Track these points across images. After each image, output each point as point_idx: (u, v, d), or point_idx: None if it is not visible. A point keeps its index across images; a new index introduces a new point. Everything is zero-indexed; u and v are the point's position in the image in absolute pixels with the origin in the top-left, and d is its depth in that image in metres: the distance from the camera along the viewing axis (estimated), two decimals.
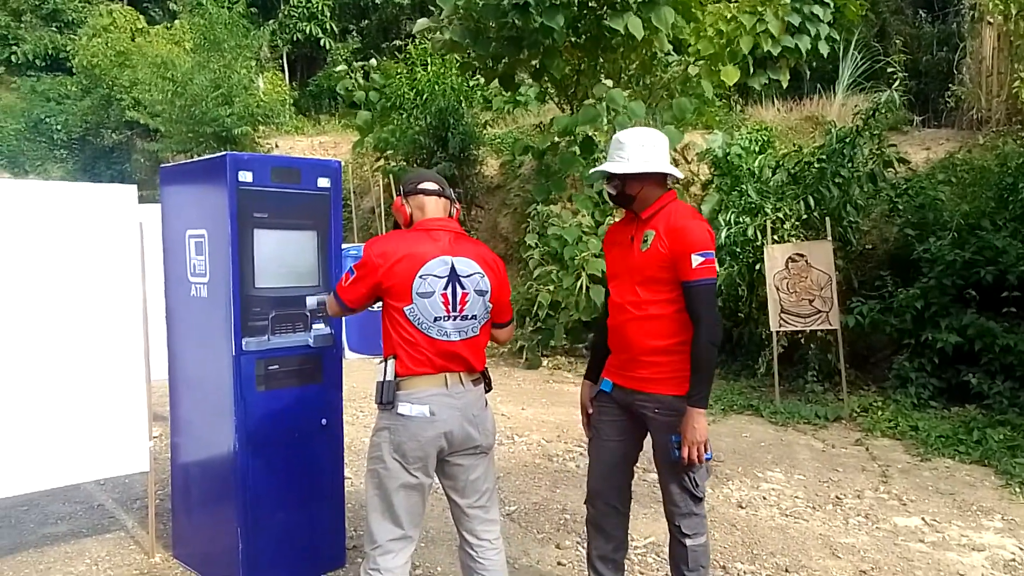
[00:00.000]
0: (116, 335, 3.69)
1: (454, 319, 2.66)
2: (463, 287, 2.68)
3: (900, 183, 8.10)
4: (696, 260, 2.64)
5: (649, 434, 2.87)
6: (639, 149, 2.77)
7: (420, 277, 2.61)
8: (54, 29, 19.33)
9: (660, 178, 2.82)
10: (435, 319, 2.62)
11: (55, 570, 3.76)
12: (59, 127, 18.09)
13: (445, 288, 2.64)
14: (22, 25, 19.22)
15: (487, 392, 2.82)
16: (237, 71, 14.57)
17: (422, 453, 2.61)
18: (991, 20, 9.63)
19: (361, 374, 6.28)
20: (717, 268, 2.54)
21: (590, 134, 8.67)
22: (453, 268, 2.67)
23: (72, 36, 18.24)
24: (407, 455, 2.60)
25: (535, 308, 8.89)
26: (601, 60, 9.32)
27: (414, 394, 2.61)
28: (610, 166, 2.81)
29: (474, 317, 2.72)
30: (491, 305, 2.76)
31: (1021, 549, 4.04)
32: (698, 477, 2.77)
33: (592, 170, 3.01)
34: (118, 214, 3.72)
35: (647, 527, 4.22)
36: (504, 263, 2.91)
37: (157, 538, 3.96)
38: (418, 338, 2.62)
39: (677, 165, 10.17)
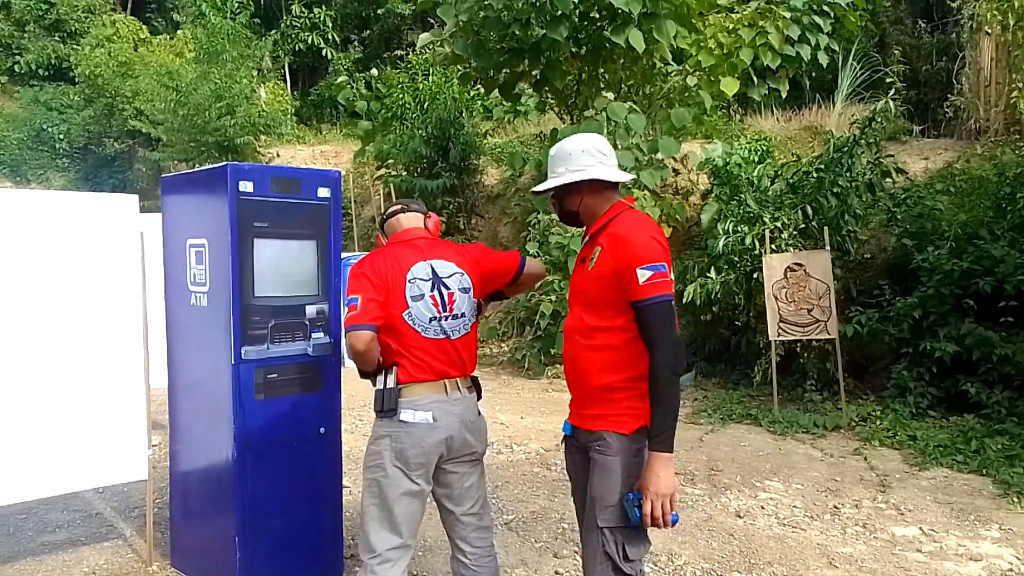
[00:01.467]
0: (116, 343, 3.71)
1: (447, 318, 2.74)
2: (447, 287, 2.78)
3: (898, 193, 8.12)
4: (642, 275, 2.22)
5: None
6: (568, 159, 2.45)
7: (409, 282, 2.70)
8: (57, 39, 19.41)
9: (604, 186, 2.45)
10: (431, 320, 2.70)
11: None
12: (61, 136, 18.15)
13: (432, 290, 2.74)
14: (25, 35, 19.30)
15: (479, 400, 2.87)
16: (239, 81, 14.64)
17: (425, 459, 2.64)
18: (990, 31, 9.67)
19: (359, 383, 6.25)
20: (672, 281, 2.30)
21: None
22: (434, 270, 2.77)
23: (75, 46, 18.32)
24: (410, 462, 2.63)
25: (536, 317, 8.93)
26: (601, 71, 9.37)
27: (416, 401, 2.65)
28: (541, 185, 2.55)
29: (463, 315, 2.80)
30: (476, 301, 2.85)
31: (1018, 559, 4.04)
32: (628, 541, 2.29)
33: (531, 190, 2.79)
34: (119, 223, 3.75)
35: None
36: (481, 243, 3.01)
37: (155, 546, 3.97)
38: (419, 342, 2.68)
39: (677, 175, 10.23)
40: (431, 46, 9.61)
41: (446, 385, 2.71)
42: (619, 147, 8.29)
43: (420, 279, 2.72)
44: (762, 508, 4.80)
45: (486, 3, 8.27)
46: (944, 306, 6.89)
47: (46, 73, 19.33)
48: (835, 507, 4.80)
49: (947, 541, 4.27)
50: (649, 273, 2.23)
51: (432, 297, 2.73)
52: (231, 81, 14.46)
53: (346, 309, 2.71)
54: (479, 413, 2.85)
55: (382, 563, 2.65)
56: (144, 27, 18.91)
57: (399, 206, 2.95)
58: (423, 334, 2.68)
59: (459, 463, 2.78)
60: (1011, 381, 6.39)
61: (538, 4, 7.99)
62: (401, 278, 2.69)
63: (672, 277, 2.31)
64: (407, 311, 2.67)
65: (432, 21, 10.13)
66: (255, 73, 15.86)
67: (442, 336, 2.72)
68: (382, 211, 3.02)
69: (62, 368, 3.56)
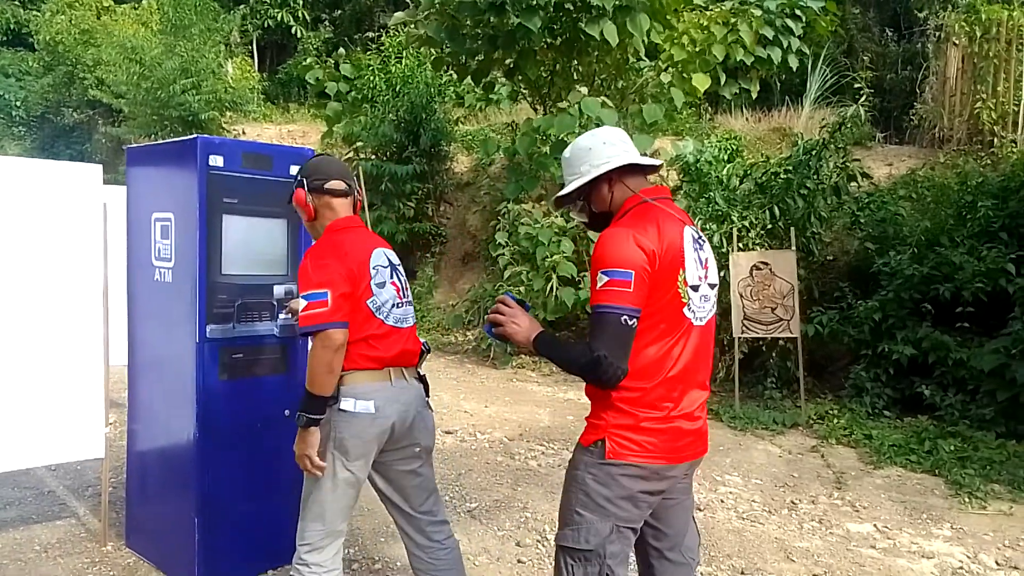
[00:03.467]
0: (75, 318, 3.61)
1: (402, 306, 2.71)
2: (400, 275, 2.77)
3: (862, 197, 8.27)
4: (599, 279, 2.03)
5: None
6: (589, 154, 2.22)
7: (373, 268, 2.63)
8: (17, 4, 18.83)
9: (631, 176, 2.22)
10: (393, 306, 2.65)
11: (3, 555, 3.66)
12: (18, 104, 17.64)
13: (391, 277, 2.70)
14: None
15: (426, 396, 2.78)
16: (205, 55, 14.33)
17: (364, 450, 2.58)
18: (956, 42, 9.88)
19: None
20: (631, 293, 2.02)
21: (563, 138, 8.72)
22: (388, 257, 2.73)
23: (35, 12, 17.77)
24: (349, 452, 2.55)
25: None
26: (575, 63, 9.37)
27: (357, 389, 2.55)
28: (565, 188, 2.29)
29: (411, 303, 2.79)
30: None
31: (968, 557, 4.14)
32: (577, 564, 2.10)
33: (554, 198, 2.42)
34: (82, 194, 3.64)
35: None
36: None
37: (109, 526, 3.88)
38: (380, 328, 2.60)
39: None
40: (404, 27, 9.52)
41: (390, 373, 2.62)
42: None
43: (381, 265, 2.66)
44: (721, 502, 4.86)
45: None
46: (903, 310, 7.04)
47: (4, 38, 18.77)
48: (792, 502, 4.88)
49: (900, 538, 4.36)
50: (605, 279, 2.03)
51: (393, 283, 2.69)
52: (197, 55, 14.15)
53: (304, 303, 2.45)
54: (428, 406, 2.77)
55: (311, 551, 2.60)
56: None
57: (343, 185, 2.71)
58: (384, 320, 2.61)
59: (402, 459, 2.71)
60: (964, 385, 6.55)
61: None
62: (366, 264, 2.60)
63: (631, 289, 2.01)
64: (372, 298, 2.58)
65: (407, 2, 10.00)
66: (222, 48, 15.53)
67: (400, 324, 2.67)
68: (305, 176, 2.71)
69: (17, 341, 3.44)
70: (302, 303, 2.45)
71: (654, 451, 2.08)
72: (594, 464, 2.09)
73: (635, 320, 2.01)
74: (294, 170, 3.49)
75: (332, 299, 2.43)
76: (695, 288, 2.14)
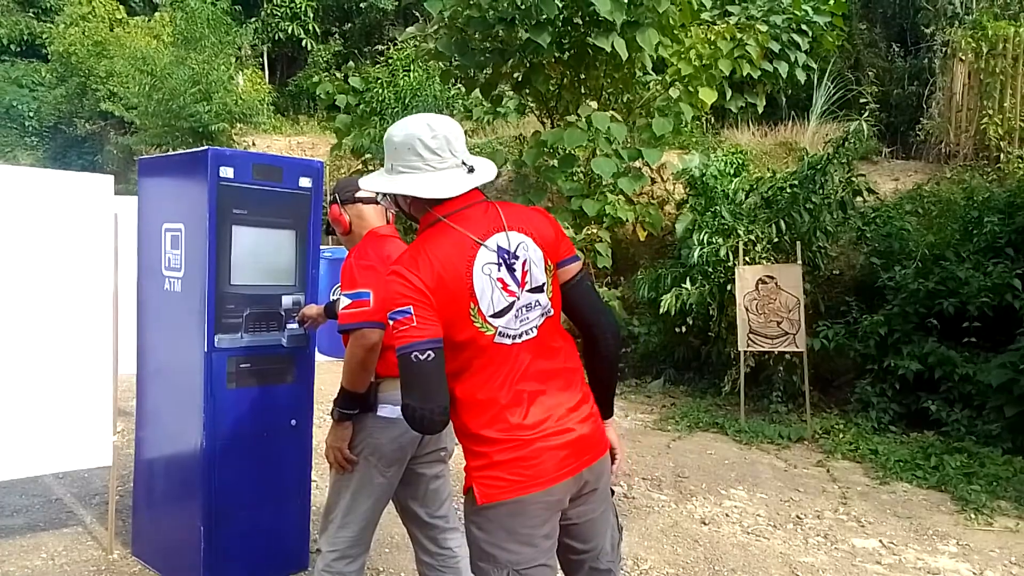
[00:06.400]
0: (85, 326, 3.65)
1: None
2: None
3: (868, 212, 8.27)
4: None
5: None
6: (393, 153, 2.01)
7: None
8: (31, 15, 19.03)
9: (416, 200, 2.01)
10: None
11: (10, 563, 3.69)
12: (31, 114, 17.80)
13: None
14: None
15: None
16: (217, 68, 14.46)
17: (401, 455, 2.64)
18: (963, 57, 9.89)
19: (331, 376, 6.21)
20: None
21: (571, 151, 8.77)
22: None
23: (49, 23, 17.97)
24: (386, 457, 2.61)
25: None
26: (583, 76, 9.42)
27: (395, 395, 2.59)
28: (363, 188, 2.27)
29: None
30: None
31: (974, 574, 4.13)
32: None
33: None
34: (93, 204, 3.68)
35: None
36: None
37: (116, 535, 3.91)
38: None
39: (653, 183, 10.32)
40: (414, 41, 9.60)
41: None
42: (599, 154, 8.37)
43: None
44: (727, 516, 4.85)
45: (472, 2, 8.29)
46: (909, 325, 7.02)
47: (18, 49, 18.94)
48: (798, 517, 4.87)
49: (906, 554, 4.34)
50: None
51: None
52: (209, 68, 14.28)
53: (347, 302, 2.54)
54: None
55: (340, 558, 2.63)
56: (121, 7, 18.60)
57: (372, 193, 2.74)
58: None
59: (428, 463, 2.77)
60: (971, 400, 6.53)
61: (523, 7, 8.02)
62: None
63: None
64: None
65: (417, 15, 10.09)
66: (233, 60, 15.67)
67: None
68: (337, 193, 2.86)
69: (28, 349, 3.48)
70: (344, 301, 2.52)
71: (521, 481, 1.88)
72: (472, 512, 1.94)
73: (429, 352, 1.80)
74: (304, 182, 3.56)
75: (374, 299, 2.49)
76: (501, 313, 1.92)
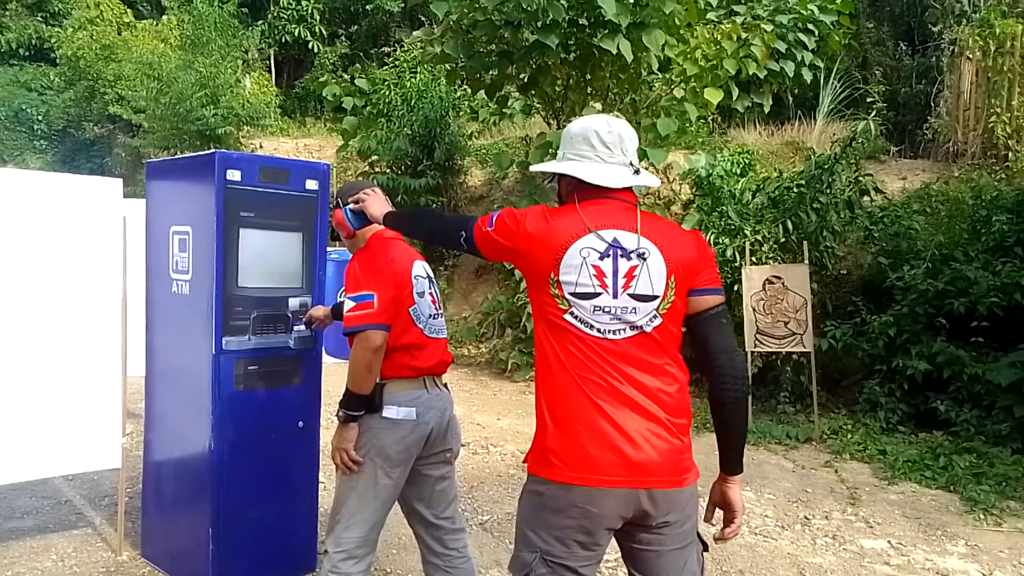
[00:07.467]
0: (94, 329, 3.67)
1: (437, 317, 2.80)
2: (435, 288, 2.87)
3: (876, 211, 8.25)
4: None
5: None
6: (568, 142, 2.12)
7: (415, 278, 2.72)
8: (39, 19, 19.13)
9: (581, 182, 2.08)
10: (429, 317, 2.74)
11: (20, 564, 3.71)
12: (40, 118, 17.88)
13: (429, 288, 2.79)
14: (7, 13, 19.02)
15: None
16: (224, 71, 14.51)
17: (407, 456, 2.65)
18: (970, 56, 9.86)
19: (338, 377, 6.22)
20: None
21: None
22: (427, 271, 2.83)
23: (58, 27, 18.07)
24: (391, 458, 2.62)
25: (524, 319, 8.99)
26: (589, 77, 9.42)
27: (399, 396, 2.65)
28: (540, 167, 2.25)
29: (443, 316, 2.88)
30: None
31: (983, 575, 4.11)
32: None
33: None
34: (102, 207, 3.71)
35: None
36: None
37: (125, 536, 3.92)
38: (419, 338, 2.69)
39: (659, 183, 10.32)
40: (421, 44, 9.61)
41: (425, 381, 2.73)
42: None
43: (420, 276, 2.76)
44: None
45: (478, 5, 8.30)
46: (917, 325, 7.00)
47: (27, 53, 19.05)
48: (806, 518, 4.86)
49: (915, 555, 4.33)
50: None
51: (431, 294, 2.79)
52: (216, 70, 14.33)
53: (351, 304, 2.54)
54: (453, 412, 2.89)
55: (347, 558, 2.63)
56: (129, 11, 18.68)
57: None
58: (424, 331, 2.71)
59: (434, 464, 2.78)
60: (980, 400, 6.50)
61: (530, 9, 8.03)
62: (409, 273, 2.70)
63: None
64: (413, 307, 2.69)
65: (423, 18, 10.11)
66: (240, 63, 15.72)
67: (435, 335, 2.77)
68: (339, 197, 2.85)
69: (37, 352, 3.51)
70: (349, 304, 2.54)
71: (560, 466, 1.88)
72: (528, 481, 1.98)
73: (491, 233, 2.03)
74: (311, 184, 3.57)
75: (378, 302, 2.51)
76: (583, 296, 1.91)
